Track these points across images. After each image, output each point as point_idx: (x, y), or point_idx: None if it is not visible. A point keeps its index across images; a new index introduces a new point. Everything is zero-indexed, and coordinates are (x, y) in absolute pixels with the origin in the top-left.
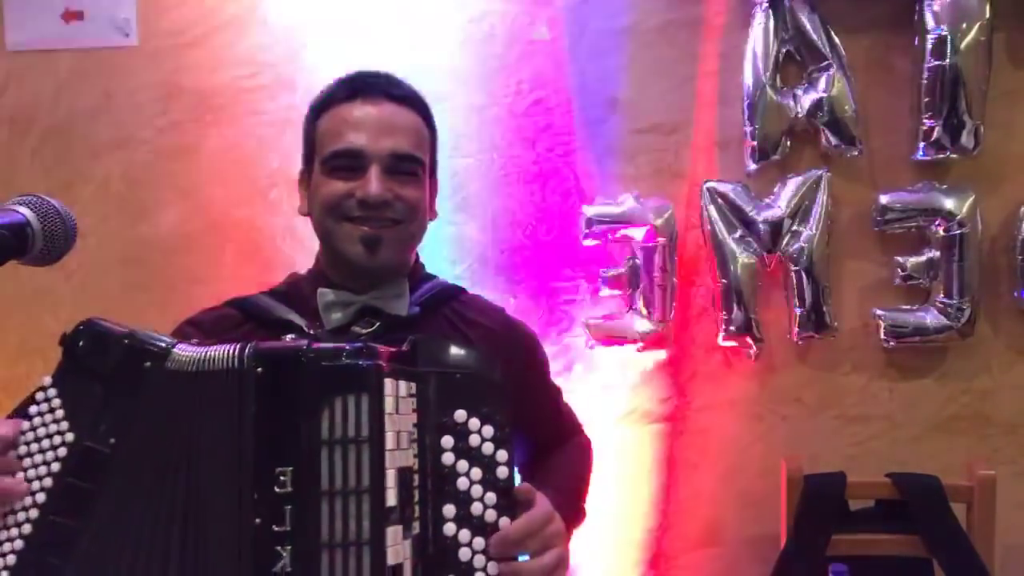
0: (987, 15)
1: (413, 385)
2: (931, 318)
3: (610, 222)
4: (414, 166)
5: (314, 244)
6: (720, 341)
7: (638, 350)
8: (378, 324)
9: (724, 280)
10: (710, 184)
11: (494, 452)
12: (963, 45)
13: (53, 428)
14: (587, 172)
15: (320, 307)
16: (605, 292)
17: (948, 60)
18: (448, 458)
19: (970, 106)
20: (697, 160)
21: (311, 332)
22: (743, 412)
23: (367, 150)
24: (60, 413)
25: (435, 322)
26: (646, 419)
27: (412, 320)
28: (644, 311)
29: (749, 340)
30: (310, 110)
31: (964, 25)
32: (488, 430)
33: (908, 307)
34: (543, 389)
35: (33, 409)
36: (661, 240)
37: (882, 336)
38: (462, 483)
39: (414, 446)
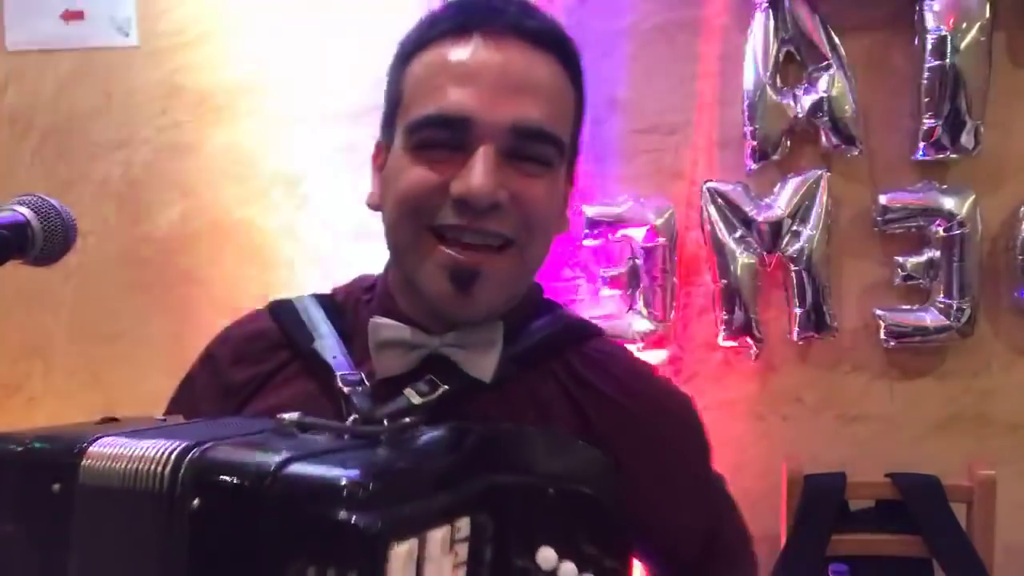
0: (987, 15)
1: (463, 524)
2: (931, 318)
3: (610, 222)
4: (548, 149)
5: (315, 244)
6: (720, 341)
7: (638, 350)
8: (445, 389)
9: (724, 280)
10: (710, 184)
11: None
12: (963, 45)
13: None
14: (587, 172)
15: (371, 344)
16: (605, 292)
17: (948, 60)
18: None
19: (970, 106)
20: (697, 160)
21: (344, 390)
22: (743, 412)
23: (477, 118)
24: None
25: (533, 383)
26: None
27: (497, 385)
28: (644, 311)
29: (749, 340)
30: (399, 51)
31: (964, 25)
32: None
33: (908, 307)
34: (698, 491)
35: None
36: (661, 240)
37: (882, 336)
38: None
39: None
